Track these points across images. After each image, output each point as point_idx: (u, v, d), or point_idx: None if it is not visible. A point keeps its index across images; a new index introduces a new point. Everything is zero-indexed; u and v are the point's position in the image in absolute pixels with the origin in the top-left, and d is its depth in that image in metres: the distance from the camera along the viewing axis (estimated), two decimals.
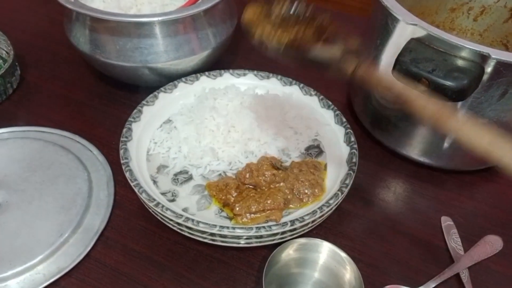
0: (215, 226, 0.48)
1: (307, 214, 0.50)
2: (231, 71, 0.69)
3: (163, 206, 0.49)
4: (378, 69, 0.59)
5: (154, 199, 0.50)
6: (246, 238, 0.50)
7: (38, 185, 0.57)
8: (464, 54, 0.49)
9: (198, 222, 0.48)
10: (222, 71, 0.69)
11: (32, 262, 0.49)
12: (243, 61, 0.82)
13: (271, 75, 0.69)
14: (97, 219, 0.55)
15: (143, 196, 0.50)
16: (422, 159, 0.63)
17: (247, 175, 0.56)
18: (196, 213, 0.54)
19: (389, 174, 0.64)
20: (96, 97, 0.72)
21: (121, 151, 0.55)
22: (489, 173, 0.64)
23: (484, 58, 0.48)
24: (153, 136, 0.62)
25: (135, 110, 0.61)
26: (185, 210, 0.54)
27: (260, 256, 0.53)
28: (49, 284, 0.49)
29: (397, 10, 0.55)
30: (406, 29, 0.53)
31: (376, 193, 0.62)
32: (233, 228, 0.48)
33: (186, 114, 0.63)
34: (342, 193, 0.52)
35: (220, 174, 0.59)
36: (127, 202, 0.58)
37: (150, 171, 0.58)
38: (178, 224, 0.50)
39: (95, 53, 0.65)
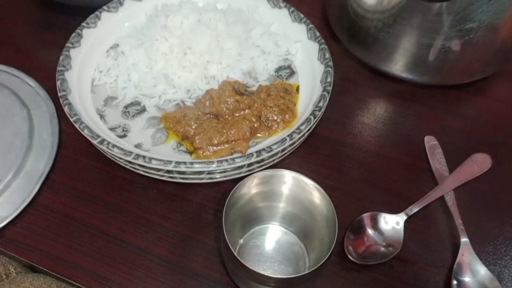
0: (170, 162, 0.42)
1: (276, 143, 0.44)
2: None
3: (109, 143, 0.43)
4: None
5: (99, 136, 0.44)
6: (208, 173, 0.44)
7: None
8: None
9: (151, 159, 0.42)
10: None
11: None
12: None
13: None
14: (40, 161, 0.49)
15: (85, 133, 0.44)
16: (404, 75, 0.56)
17: (207, 103, 0.49)
18: (151, 149, 0.48)
19: (368, 94, 0.58)
20: (32, 24, 0.63)
21: (58, 82, 0.48)
22: (476, 87, 0.58)
23: None
24: (97, 64, 0.54)
25: (73, 34, 0.52)
26: (138, 146, 0.48)
27: (227, 191, 0.48)
28: None
29: None
30: None
31: (354, 115, 0.56)
32: (191, 163, 0.42)
33: (135, 36, 0.55)
34: (315, 118, 0.46)
35: (177, 104, 0.52)
36: (75, 141, 0.51)
37: (96, 104, 0.51)
38: (130, 162, 0.44)
39: None
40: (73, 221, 0.45)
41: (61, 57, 0.50)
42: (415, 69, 0.55)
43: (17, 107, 0.51)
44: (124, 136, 0.49)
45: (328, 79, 0.50)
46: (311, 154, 0.51)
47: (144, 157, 0.42)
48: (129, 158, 0.42)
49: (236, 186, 0.39)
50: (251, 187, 0.41)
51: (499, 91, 0.59)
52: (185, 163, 0.42)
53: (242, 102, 0.49)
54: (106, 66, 0.54)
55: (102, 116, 0.50)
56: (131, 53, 0.53)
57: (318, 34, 0.55)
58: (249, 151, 0.47)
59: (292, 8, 0.58)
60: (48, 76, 0.56)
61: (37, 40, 0.61)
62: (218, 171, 0.44)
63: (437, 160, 0.52)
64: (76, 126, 0.44)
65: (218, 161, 0.43)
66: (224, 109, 0.49)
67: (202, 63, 0.53)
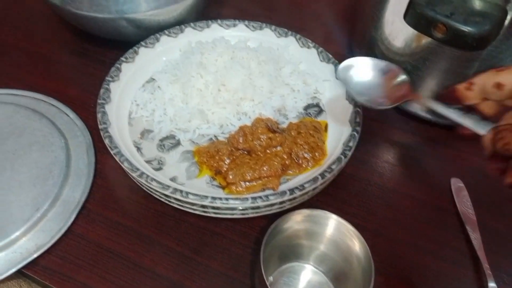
0: (206, 197, 0.43)
1: (308, 182, 0.45)
2: (219, 21, 0.62)
3: (147, 176, 0.44)
4: (389, 15, 0.52)
5: (138, 169, 0.45)
6: (241, 209, 0.45)
7: (10, 155, 0.51)
8: None
9: (188, 193, 0.43)
10: (210, 22, 0.62)
11: (7, 240, 0.45)
12: (232, 10, 0.74)
13: (264, 25, 0.62)
14: (77, 190, 0.50)
15: (125, 166, 0.45)
16: (430, 116, 0.57)
17: (241, 140, 0.51)
18: (186, 182, 0.49)
19: (393, 133, 0.59)
20: (71, 55, 0.65)
21: (99, 115, 0.49)
22: None
23: None
24: (134, 97, 0.56)
25: (113, 68, 0.54)
26: (173, 179, 0.49)
27: (257, 226, 0.49)
28: (27, 263, 0.45)
29: None
30: None
31: (380, 154, 0.57)
32: (227, 199, 0.43)
33: (171, 72, 0.57)
34: (345, 157, 0.47)
35: (210, 139, 0.53)
36: (110, 171, 0.53)
37: (133, 136, 0.52)
38: (166, 196, 0.45)
39: (65, 4, 0.57)
40: (107, 251, 0.46)
41: (102, 90, 0.52)
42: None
43: (55, 137, 0.53)
44: (159, 169, 0.50)
45: (357, 119, 0.51)
46: (339, 192, 0.52)
47: (181, 191, 0.43)
48: (167, 192, 0.43)
49: (273, 224, 0.40)
50: (288, 226, 0.42)
51: None
52: (220, 198, 0.43)
53: (275, 139, 0.51)
54: (143, 99, 0.56)
55: (139, 149, 0.51)
56: (167, 88, 0.55)
57: None
58: (281, 188, 0.48)
59: (320, 48, 0.59)
60: (84, 106, 0.58)
61: (73, 70, 0.63)
62: (251, 207, 0.45)
63: (463, 203, 0.52)
64: (116, 158, 0.46)
65: (252, 198, 0.44)
66: (257, 145, 0.50)
67: (235, 99, 0.54)
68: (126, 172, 0.48)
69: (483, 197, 0.52)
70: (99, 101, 0.51)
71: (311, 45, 0.60)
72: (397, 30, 0.51)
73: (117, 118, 0.51)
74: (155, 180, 0.44)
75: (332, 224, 0.41)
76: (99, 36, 0.63)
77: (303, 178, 0.48)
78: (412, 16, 0.43)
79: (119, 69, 0.54)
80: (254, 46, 0.61)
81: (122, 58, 0.56)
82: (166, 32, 0.60)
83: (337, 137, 0.52)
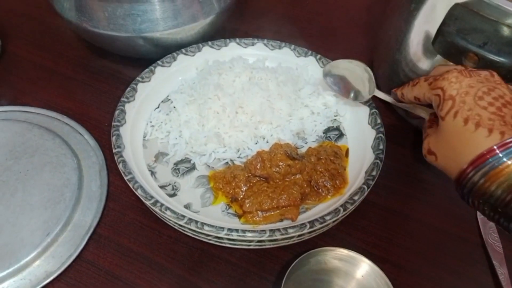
0: (222, 229, 0.41)
1: (329, 214, 0.43)
2: (237, 40, 0.61)
3: (162, 205, 0.43)
4: (415, 39, 0.50)
5: (152, 197, 0.43)
6: (258, 241, 0.43)
7: (22, 175, 0.50)
8: None
9: (203, 224, 0.42)
10: (228, 40, 0.61)
11: (16, 266, 0.44)
12: (250, 28, 0.73)
13: (283, 44, 0.60)
14: (88, 214, 0.49)
15: (138, 193, 0.44)
16: None
17: (258, 166, 0.49)
18: (201, 210, 0.47)
19: (417, 158, 0.57)
20: (86, 72, 0.64)
21: (113, 138, 0.48)
22: None
23: None
24: (150, 118, 0.54)
25: (128, 89, 0.53)
26: (187, 206, 0.47)
27: (273, 257, 0.47)
28: None
29: None
30: None
31: (402, 181, 0.55)
32: (243, 231, 0.42)
33: (187, 92, 0.55)
34: (368, 187, 0.45)
35: (226, 163, 0.52)
36: (122, 194, 0.51)
37: (147, 159, 0.51)
38: (180, 225, 0.43)
39: (82, 22, 0.56)
40: (118, 280, 0.45)
41: (116, 112, 0.51)
42: None
43: (68, 157, 0.52)
44: (174, 195, 0.48)
45: (381, 146, 0.49)
46: (359, 220, 0.50)
47: (196, 221, 0.42)
48: (181, 222, 0.42)
49: (297, 260, 0.38)
50: (312, 262, 0.40)
51: None
52: (237, 230, 0.41)
53: (294, 166, 0.49)
54: (158, 120, 0.54)
55: (153, 173, 0.50)
56: (183, 109, 0.54)
57: None
58: (300, 218, 0.46)
59: None
60: (98, 125, 0.57)
61: (88, 88, 0.62)
62: (269, 240, 0.43)
63: (490, 235, 0.50)
64: (130, 185, 0.44)
65: (270, 231, 0.42)
66: (275, 173, 0.48)
67: (253, 123, 0.53)
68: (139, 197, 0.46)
69: None
70: (113, 123, 0.49)
71: None
72: (423, 54, 0.49)
73: (132, 140, 0.50)
74: (169, 209, 0.42)
75: (361, 267, 0.39)
76: (115, 53, 0.62)
77: (323, 208, 0.46)
78: (442, 44, 0.41)
79: (134, 89, 0.53)
80: (272, 66, 0.60)
81: (138, 78, 0.54)
82: (183, 50, 0.58)
83: (359, 163, 0.50)
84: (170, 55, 0.58)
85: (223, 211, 0.48)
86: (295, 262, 0.38)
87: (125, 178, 0.45)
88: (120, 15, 0.54)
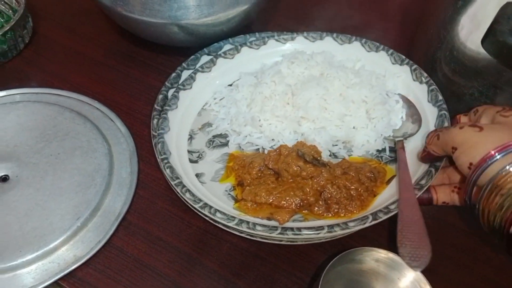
0: (275, 228, 0.41)
1: (359, 219, 0.42)
2: (305, 34, 0.59)
3: (211, 207, 0.43)
4: (460, 38, 0.48)
5: (200, 200, 0.43)
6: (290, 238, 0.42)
7: (53, 159, 0.50)
8: None
9: (255, 224, 0.42)
10: (294, 34, 0.59)
11: (46, 249, 0.44)
12: (286, 19, 0.71)
13: (353, 38, 0.57)
14: (118, 200, 0.48)
15: (186, 197, 0.44)
16: None
17: (272, 158, 0.48)
18: (208, 183, 0.48)
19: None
20: (118, 57, 0.64)
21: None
22: None
23: None
24: (216, 91, 0.57)
25: (170, 97, 0.53)
26: (199, 175, 0.49)
27: (303, 254, 0.46)
28: (64, 275, 0.43)
29: None
30: None
31: (452, 212, 0.52)
32: (299, 229, 0.41)
33: (254, 74, 0.57)
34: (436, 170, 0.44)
35: (257, 149, 0.52)
36: (152, 182, 0.51)
37: (195, 125, 0.54)
38: (227, 227, 0.44)
39: (117, 5, 0.55)
40: (147, 268, 0.44)
41: (159, 120, 0.51)
42: None
43: (99, 142, 0.52)
44: (195, 162, 0.50)
45: (445, 124, 0.49)
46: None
47: (248, 222, 0.41)
48: (231, 224, 0.42)
49: (335, 259, 0.37)
50: (347, 263, 0.39)
51: None
52: (292, 229, 0.41)
53: (305, 170, 0.46)
54: (221, 94, 0.56)
55: (191, 137, 0.52)
56: (242, 88, 0.55)
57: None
58: (314, 223, 0.44)
59: (431, 85, 0.52)
60: (129, 112, 0.57)
61: (119, 74, 0.62)
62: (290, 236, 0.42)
63: None
64: (178, 190, 0.44)
65: (282, 228, 0.41)
66: (285, 170, 0.47)
67: (296, 117, 0.52)
68: (169, 184, 0.46)
69: None
70: (156, 132, 0.50)
71: (424, 80, 0.53)
72: (467, 54, 0.48)
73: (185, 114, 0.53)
74: (219, 211, 0.42)
75: (401, 270, 0.38)
76: (147, 40, 0.62)
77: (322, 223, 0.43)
78: (493, 43, 0.40)
79: (176, 97, 0.53)
80: (349, 65, 0.57)
81: (180, 86, 0.54)
82: (227, 54, 0.58)
83: (393, 195, 0.45)
84: (210, 60, 0.57)
85: (226, 191, 0.48)
86: (332, 261, 0.36)
87: (172, 183, 0.45)
88: (156, 0, 0.53)
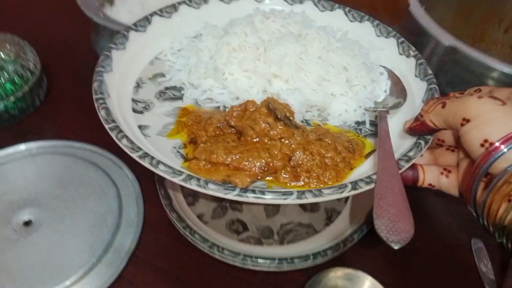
0: (232, 188, 0.36)
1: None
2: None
3: (152, 158, 0.38)
4: None
5: (140, 149, 0.39)
6: (277, 262, 0.49)
7: (70, 203, 0.57)
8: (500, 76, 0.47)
9: (207, 182, 0.36)
10: None
11: (66, 283, 0.50)
12: None
13: (336, 5, 0.55)
14: (127, 238, 0.55)
15: (122, 143, 0.39)
16: None
17: (235, 114, 0.41)
18: (152, 137, 0.43)
19: (418, 190, 0.64)
20: None
21: (95, 84, 0.46)
22: None
23: None
24: (173, 42, 0.52)
25: (118, 35, 0.48)
26: (143, 127, 0.44)
27: (291, 280, 0.53)
28: None
29: (433, 29, 0.53)
30: (441, 50, 0.52)
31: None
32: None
33: (221, 28, 0.51)
34: (425, 143, 0.39)
35: (218, 108, 0.46)
36: (156, 220, 0.58)
37: (145, 74, 0.48)
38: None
39: None
40: None
41: (101, 58, 0.48)
42: None
43: (109, 187, 0.59)
44: (140, 112, 0.44)
45: (436, 95, 0.45)
46: (369, 249, 0.56)
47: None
48: (178, 180, 0.36)
49: (309, 281, 0.44)
50: (324, 282, 0.45)
51: None
52: (198, 179, 0.36)
53: (274, 128, 0.40)
54: (181, 45, 0.50)
55: (138, 86, 0.47)
56: (207, 38, 0.49)
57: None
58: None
59: (419, 59, 0.48)
60: (134, 159, 0.64)
61: None
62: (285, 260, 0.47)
63: (483, 263, 0.55)
64: (112, 135, 0.41)
65: (241, 190, 0.35)
66: (249, 127, 0.40)
67: (267, 73, 0.45)
68: (171, 221, 0.53)
69: (503, 259, 0.55)
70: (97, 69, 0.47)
71: (412, 53, 0.49)
72: None
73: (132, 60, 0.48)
74: (162, 163, 0.37)
75: (365, 284, 0.45)
76: None
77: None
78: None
79: (126, 37, 0.49)
80: (339, 34, 0.53)
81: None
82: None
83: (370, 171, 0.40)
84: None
85: (174, 147, 0.42)
86: (307, 282, 0.44)
87: (107, 126, 0.42)
88: None
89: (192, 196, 0.57)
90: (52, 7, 0.91)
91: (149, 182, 0.61)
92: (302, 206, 0.58)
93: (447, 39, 0.51)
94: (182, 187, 0.59)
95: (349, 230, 0.54)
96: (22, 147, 0.64)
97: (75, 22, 0.89)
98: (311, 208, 0.58)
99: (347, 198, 0.59)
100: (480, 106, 0.32)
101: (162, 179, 0.57)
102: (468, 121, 0.32)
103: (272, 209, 0.58)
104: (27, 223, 0.55)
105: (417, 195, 0.63)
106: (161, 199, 0.53)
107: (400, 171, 0.37)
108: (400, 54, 0.50)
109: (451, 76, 0.47)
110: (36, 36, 0.78)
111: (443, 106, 0.35)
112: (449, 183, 0.38)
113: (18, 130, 0.69)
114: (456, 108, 0.34)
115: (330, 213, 0.57)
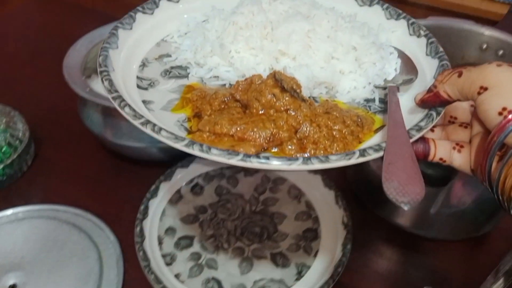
0: (236, 154, 0.33)
1: (344, 154, 0.35)
2: None
3: (155, 125, 0.36)
4: None
5: (142, 116, 0.37)
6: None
7: (53, 267, 0.60)
8: None
9: (210, 148, 0.33)
10: None
11: None
12: None
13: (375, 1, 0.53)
14: None
15: (125, 111, 0.37)
16: (413, 230, 0.66)
17: (240, 87, 0.41)
18: (156, 111, 0.42)
19: (383, 244, 0.68)
20: (107, 173, 0.77)
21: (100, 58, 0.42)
22: (477, 242, 0.68)
23: None
24: (181, 23, 0.51)
25: (125, 15, 0.47)
26: (147, 102, 0.43)
27: None
28: None
29: None
30: None
31: (370, 265, 0.65)
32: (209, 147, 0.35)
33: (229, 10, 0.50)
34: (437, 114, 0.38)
35: (224, 85, 0.45)
36: (135, 281, 0.61)
37: (150, 55, 0.48)
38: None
39: (107, 135, 0.70)
40: None
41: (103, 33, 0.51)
42: (421, 225, 0.65)
43: (91, 250, 0.62)
44: (144, 89, 0.44)
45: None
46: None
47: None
48: (180, 145, 0.35)
49: None
50: None
51: (500, 246, 0.68)
52: (200, 145, 0.34)
53: (281, 99, 0.39)
54: (188, 28, 0.50)
55: (144, 65, 0.47)
56: (214, 20, 0.48)
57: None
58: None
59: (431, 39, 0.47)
60: (116, 220, 0.68)
61: (110, 188, 0.74)
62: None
63: None
64: (115, 104, 0.38)
65: (245, 155, 0.33)
66: (254, 99, 0.40)
67: (274, 51, 0.45)
68: (150, 283, 0.56)
69: None
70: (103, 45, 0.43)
71: (423, 33, 0.48)
72: None
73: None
74: (164, 129, 0.36)
75: None
76: (133, 158, 0.75)
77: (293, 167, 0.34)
78: None
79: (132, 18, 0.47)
80: (347, 14, 0.51)
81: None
82: None
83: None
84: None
85: (178, 121, 0.41)
86: None
87: (110, 95, 0.39)
88: (140, 130, 0.67)
89: (170, 256, 0.61)
90: (42, 79, 0.96)
91: (130, 242, 0.65)
92: (274, 261, 0.62)
93: None
94: (160, 246, 0.63)
95: (318, 283, 0.58)
96: (8, 212, 0.68)
97: (63, 92, 0.95)
98: (283, 263, 0.62)
99: (316, 253, 0.63)
100: (500, 74, 0.31)
101: (141, 240, 0.60)
102: (486, 89, 0.31)
103: (246, 266, 0.61)
104: (13, 287, 0.58)
105: (384, 246, 0.67)
106: (140, 261, 0.56)
107: (411, 140, 0.35)
108: (411, 34, 0.50)
109: None
110: (23, 100, 0.83)
111: (459, 75, 0.34)
112: (461, 158, 0.37)
113: (5, 195, 0.72)
114: (473, 76, 0.33)
115: (301, 268, 0.61)
